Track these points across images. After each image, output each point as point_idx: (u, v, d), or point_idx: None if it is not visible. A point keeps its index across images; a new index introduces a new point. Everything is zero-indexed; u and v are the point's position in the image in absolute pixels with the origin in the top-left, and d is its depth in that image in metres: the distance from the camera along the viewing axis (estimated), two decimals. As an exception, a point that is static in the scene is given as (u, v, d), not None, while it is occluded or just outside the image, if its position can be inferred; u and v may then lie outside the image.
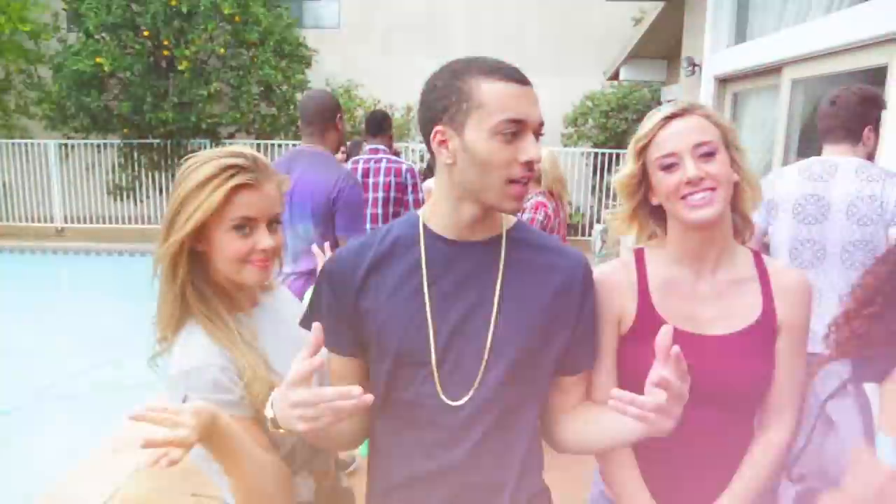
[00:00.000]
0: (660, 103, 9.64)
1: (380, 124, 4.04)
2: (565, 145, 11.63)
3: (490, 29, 13.54)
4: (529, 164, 1.11)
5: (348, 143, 4.90)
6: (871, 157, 2.58)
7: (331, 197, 2.73)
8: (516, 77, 1.12)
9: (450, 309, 1.19)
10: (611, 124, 11.14)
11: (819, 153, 2.63)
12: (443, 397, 1.19)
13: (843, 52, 3.81)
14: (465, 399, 1.19)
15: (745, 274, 1.37)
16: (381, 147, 3.85)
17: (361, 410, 1.02)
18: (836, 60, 3.92)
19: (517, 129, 1.10)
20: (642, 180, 1.37)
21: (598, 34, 12.70)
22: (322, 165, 2.81)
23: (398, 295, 1.20)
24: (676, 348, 1.00)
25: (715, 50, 5.43)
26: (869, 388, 1.24)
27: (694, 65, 5.71)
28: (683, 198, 1.27)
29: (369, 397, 0.99)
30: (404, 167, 3.78)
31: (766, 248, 2.65)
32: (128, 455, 3.41)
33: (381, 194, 3.70)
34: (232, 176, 1.23)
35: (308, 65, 12.30)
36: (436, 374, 1.19)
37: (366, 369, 1.27)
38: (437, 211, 1.23)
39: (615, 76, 9.40)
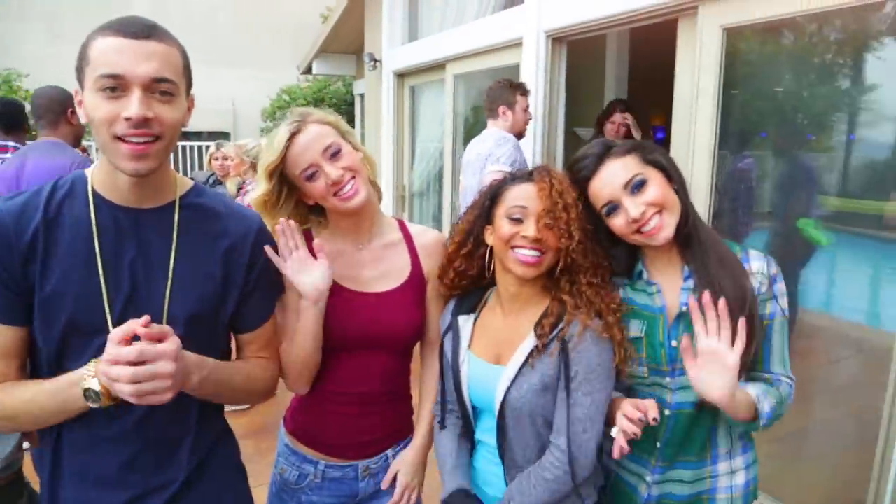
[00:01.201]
0: (353, 97, 10.13)
1: (15, 118, 3.58)
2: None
3: (178, 15, 12.78)
4: (135, 122, 1.08)
5: None
6: (514, 129, 3.51)
7: None
8: (130, 31, 1.09)
9: (125, 277, 1.19)
10: (309, 117, 11.36)
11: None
12: None
13: (489, 52, 4.51)
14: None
15: (393, 238, 1.62)
16: (12, 144, 3.47)
17: None
18: (484, 59, 4.62)
19: (116, 84, 1.08)
20: (282, 193, 1.51)
21: (291, 29, 12.83)
22: (55, 152, 2.87)
23: (70, 262, 1.16)
24: (135, 348, 1.05)
25: (392, 46, 5.95)
26: (462, 319, 1.52)
27: (375, 60, 6.17)
28: (336, 195, 1.46)
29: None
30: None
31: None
32: None
33: None
34: None
35: (-54, 47, 10.36)
36: None
37: (28, 340, 1.20)
38: (101, 177, 1.22)
39: (308, 70, 9.62)
